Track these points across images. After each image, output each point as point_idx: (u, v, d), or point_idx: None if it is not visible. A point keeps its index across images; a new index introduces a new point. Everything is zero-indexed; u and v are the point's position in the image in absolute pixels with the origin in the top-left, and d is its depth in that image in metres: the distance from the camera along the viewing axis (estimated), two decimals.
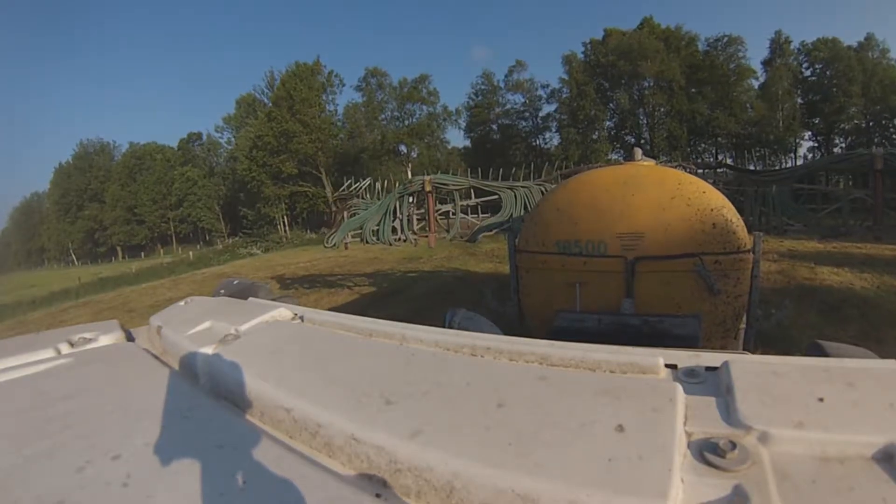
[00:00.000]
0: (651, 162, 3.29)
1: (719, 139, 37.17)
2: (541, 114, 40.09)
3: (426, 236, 7.78)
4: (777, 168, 7.02)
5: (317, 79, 38.21)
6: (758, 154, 34.82)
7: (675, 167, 5.26)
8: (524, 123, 40.63)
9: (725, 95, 35.44)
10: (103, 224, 56.52)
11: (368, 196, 8.12)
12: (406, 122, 39.72)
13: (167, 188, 53.37)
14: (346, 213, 8.07)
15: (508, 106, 40.89)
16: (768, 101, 34.43)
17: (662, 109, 36.38)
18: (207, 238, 50.94)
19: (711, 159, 35.28)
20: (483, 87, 41.33)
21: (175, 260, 31.13)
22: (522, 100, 40.17)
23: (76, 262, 57.76)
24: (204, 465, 0.58)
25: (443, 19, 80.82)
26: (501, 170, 8.95)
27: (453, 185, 7.72)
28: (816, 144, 35.93)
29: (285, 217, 40.36)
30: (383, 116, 40.08)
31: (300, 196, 38.75)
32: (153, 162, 55.05)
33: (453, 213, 7.86)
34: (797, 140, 35.66)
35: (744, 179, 6.96)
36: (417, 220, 7.81)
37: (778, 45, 35.75)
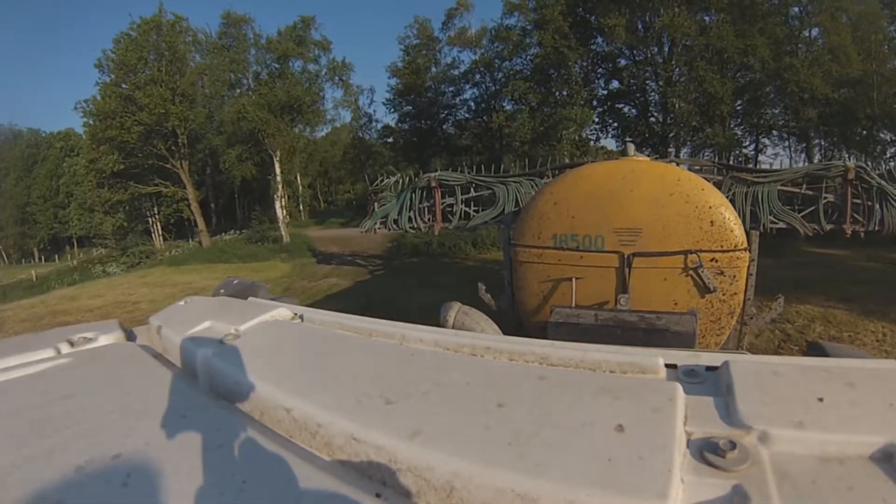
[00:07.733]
0: (645, 158, 3.29)
1: (775, 111, 20.27)
2: (500, 75, 24.19)
3: (432, 225, 9.21)
4: (769, 169, 7.43)
5: (152, 37, 24.10)
6: (830, 140, 19.88)
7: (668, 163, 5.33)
8: (475, 91, 25.86)
9: (792, 34, 18.73)
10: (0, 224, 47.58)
11: (393, 190, 9.63)
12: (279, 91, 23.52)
13: (57, 183, 42.68)
14: (376, 205, 9.58)
15: (451, 65, 26.22)
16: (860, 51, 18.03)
17: (684, 60, 18.90)
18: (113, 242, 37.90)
19: (770, 148, 21.88)
20: (416, 41, 26.60)
21: (13, 281, 25.30)
22: (472, 57, 25.31)
23: (22, 262, 48.20)
24: (204, 464, 0.58)
25: None
26: (444, 154, 9.12)
27: (453, 181, 9.14)
28: None
29: (157, 225, 30.82)
30: (245, 83, 24.85)
31: (165, 199, 28.48)
32: (48, 151, 43.71)
33: (454, 206, 9.16)
34: None
35: (735, 180, 7.32)
36: (427, 210, 9.31)
37: None
